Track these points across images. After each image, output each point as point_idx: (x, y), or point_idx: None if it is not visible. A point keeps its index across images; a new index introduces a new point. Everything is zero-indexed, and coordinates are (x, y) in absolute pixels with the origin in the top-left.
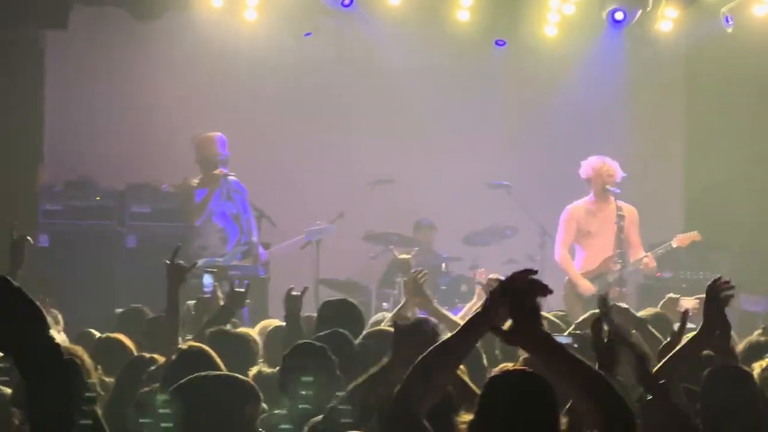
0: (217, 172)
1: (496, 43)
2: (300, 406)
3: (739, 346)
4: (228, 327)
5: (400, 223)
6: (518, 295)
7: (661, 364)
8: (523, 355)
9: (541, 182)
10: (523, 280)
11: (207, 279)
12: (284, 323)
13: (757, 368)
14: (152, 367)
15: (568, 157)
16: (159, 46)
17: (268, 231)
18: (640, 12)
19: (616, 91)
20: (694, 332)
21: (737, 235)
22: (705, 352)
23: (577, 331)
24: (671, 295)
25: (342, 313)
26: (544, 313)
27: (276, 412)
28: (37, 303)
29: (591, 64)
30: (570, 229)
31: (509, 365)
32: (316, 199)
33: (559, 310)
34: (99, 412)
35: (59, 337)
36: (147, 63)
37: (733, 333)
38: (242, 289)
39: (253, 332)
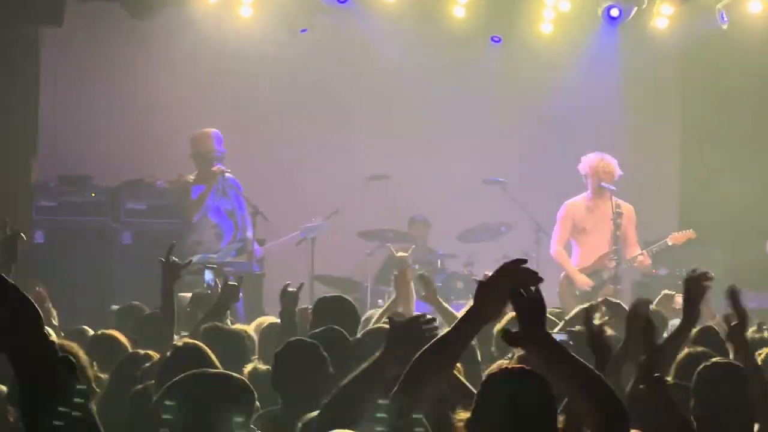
0: (215, 169)
1: (492, 39)
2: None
3: None
4: (224, 323)
5: (396, 219)
6: (524, 296)
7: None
8: (518, 352)
9: (536, 179)
10: (514, 269)
11: (208, 275)
12: (279, 320)
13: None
14: (147, 364)
15: (563, 154)
16: (156, 44)
17: (263, 227)
18: (635, 9)
19: (612, 88)
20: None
21: (733, 231)
22: (700, 349)
23: (573, 328)
24: (666, 291)
25: (337, 310)
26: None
27: (270, 409)
28: (31, 299)
29: (586, 61)
30: (566, 225)
31: (505, 362)
32: (312, 195)
33: (555, 307)
34: (94, 408)
35: (53, 333)
36: (144, 60)
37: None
38: (235, 283)
39: (249, 329)
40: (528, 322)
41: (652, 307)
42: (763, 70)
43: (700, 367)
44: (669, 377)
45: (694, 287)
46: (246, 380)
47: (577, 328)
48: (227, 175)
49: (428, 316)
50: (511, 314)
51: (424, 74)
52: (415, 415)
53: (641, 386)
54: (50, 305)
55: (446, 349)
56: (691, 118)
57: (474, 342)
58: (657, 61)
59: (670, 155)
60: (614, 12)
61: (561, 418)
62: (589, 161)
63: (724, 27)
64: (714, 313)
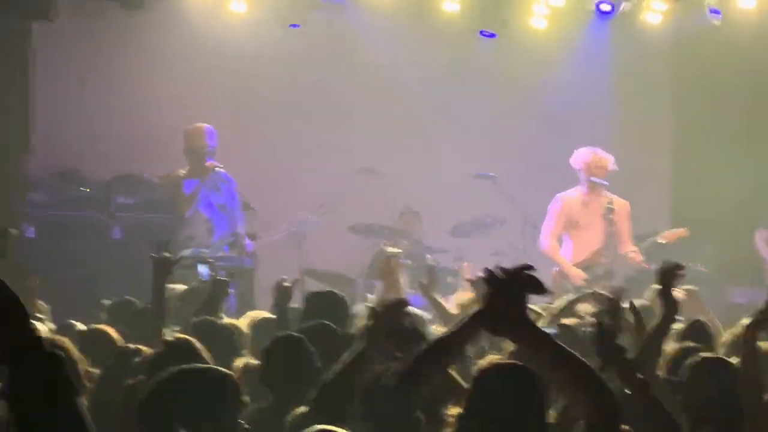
0: (207, 164)
1: (481, 33)
2: None
3: (725, 337)
4: (217, 318)
5: (387, 215)
6: (507, 286)
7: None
8: (509, 347)
9: (527, 173)
10: (521, 275)
11: (203, 269)
12: (271, 314)
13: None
14: (138, 359)
15: (555, 149)
16: (148, 38)
17: (254, 222)
18: (626, 4)
19: (604, 83)
20: (681, 324)
21: (724, 227)
22: (690, 344)
23: (562, 322)
24: (656, 285)
25: (328, 305)
26: (531, 306)
27: (260, 405)
28: (17, 295)
29: (578, 56)
30: (560, 219)
31: (496, 357)
32: (304, 190)
33: (546, 303)
34: (84, 403)
35: (43, 328)
36: (136, 55)
37: (719, 324)
38: (226, 279)
39: (240, 323)
40: (512, 309)
41: (644, 301)
42: (755, 66)
43: (689, 362)
44: (660, 371)
45: (666, 278)
46: (233, 375)
47: (566, 321)
48: (219, 169)
49: (402, 300)
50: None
51: (417, 70)
52: (413, 412)
53: (625, 389)
54: (40, 301)
55: (448, 350)
56: (683, 114)
57: None
58: (649, 56)
59: (662, 150)
60: (605, 7)
61: (552, 413)
62: (581, 156)
63: (717, 23)
64: (705, 308)
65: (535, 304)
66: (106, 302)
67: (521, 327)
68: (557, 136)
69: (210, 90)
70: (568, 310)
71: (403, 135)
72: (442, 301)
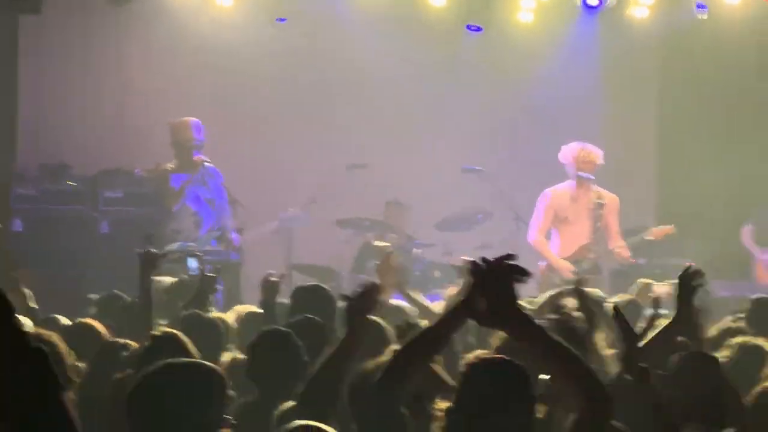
0: (196, 159)
1: (468, 28)
2: None
3: (711, 332)
4: (207, 312)
5: (374, 208)
6: (493, 277)
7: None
8: (496, 342)
9: (514, 167)
10: (503, 265)
11: (192, 263)
12: (258, 309)
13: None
14: (125, 353)
15: (542, 143)
16: (135, 31)
17: (241, 216)
18: None
19: (591, 77)
20: (667, 319)
21: (710, 221)
22: (678, 339)
23: (550, 316)
24: (643, 280)
25: (315, 299)
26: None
27: (246, 400)
28: (2, 290)
29: (566, 50)
30: (548, 213)
31: (484, 352)
32: (290, 184)
33: (533, 297)
34: (71, 398)
35: (28, 323)
36: (124, 49)
37: (704, 320)
38: (213, 274)
39: (227, 317)
40: (502, 300)
41: (630, 296)
42: (742, 61)
43: (675, 357)
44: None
45: (686, 285)
46: (218, 369)
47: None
48: (208, 164)
49: (371, 283)
50: None
51: (403, 64)
52: (397, 406)
53: (626, 377)
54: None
55: (432, 342)
56: (670, 108)
57: None
58: (636, 50)
59: (649, 145)
60: (592, 1)
61: (540, 408)
62: (570, 150)
63: (703, 17)
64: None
65: (521, 298)
66: (94, 296)
67: (514, 319)
68: (544, 131)
69: (197, 84)
70: (550, 305)
71: (390, 128)
72: (420, 297)
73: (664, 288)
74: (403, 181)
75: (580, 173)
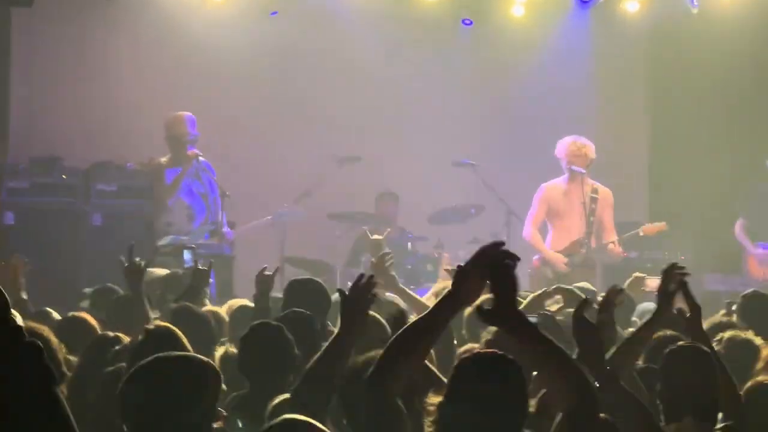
0: (190, 153)
1: (463, 22)
2: None
3: (703, 326)
4: (200, 305)
5: (367, 202)
6: (499, 273)
7: (618, 347)
8: (486, 336)
9: (506, 161)
10: (494, 252)
11: (187, 255)
12: (251, 303)
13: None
14: (117, 346)
15: (534, 137)
16: (126, 24)
17: (234, 211)
18: None
19: (583, 71)
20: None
21: (701, 214)
22: (669, 332)
23: (543, 311)
24: (637, 274)
25: (309, 293)
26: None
27: (238, 393)
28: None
29: (558, 44)
30: (542, 207)
31: (475, 346)
32: (283, 178)
33: (524, 291)
34: (63, 392)
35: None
36: (117, 42)
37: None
38: (205, 268)
39: (221, 311)
40: (503, 299)
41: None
42: (734, 55)
43: (667, 350)
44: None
45: (670, 280)
46: (212, 363)
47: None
48: (202, 159)
49: (367, 275)
50: (483, 296)
51: (395, 57)
52: (388, 396)
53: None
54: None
55: (422, 334)
56: (661, 102)
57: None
58: (627, 44)
59: (640, 139)
60: None
61: (532, 402)
62: (563, 145)
63: (694, 11)
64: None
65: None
66: (88, 290)
67: (514, 318)
68: (536, 124)
69: (188, 77)
70: (536, 304)
71: (382, 121)
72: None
73: (657, 282)
74: (395, 174)
75: (572, 167)
